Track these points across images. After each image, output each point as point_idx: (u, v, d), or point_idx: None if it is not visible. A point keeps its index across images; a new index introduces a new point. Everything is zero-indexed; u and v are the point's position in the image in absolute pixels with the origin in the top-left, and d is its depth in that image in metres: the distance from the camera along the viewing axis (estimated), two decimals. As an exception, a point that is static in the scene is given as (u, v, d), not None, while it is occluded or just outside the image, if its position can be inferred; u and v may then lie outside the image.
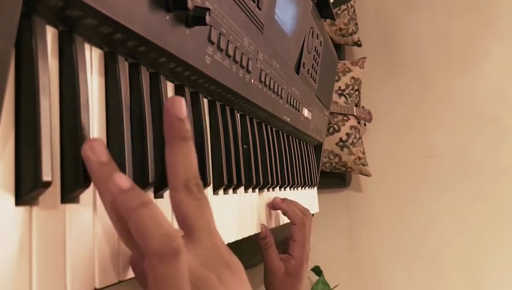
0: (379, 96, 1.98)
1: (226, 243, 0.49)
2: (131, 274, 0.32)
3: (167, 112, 0.28)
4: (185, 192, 0.29)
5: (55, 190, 0.26)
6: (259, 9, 0.50)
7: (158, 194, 0.36)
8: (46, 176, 0.23)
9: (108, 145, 0.31)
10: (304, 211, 0.68)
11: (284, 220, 0.72)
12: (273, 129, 0.69)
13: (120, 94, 0.31)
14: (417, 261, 1.84)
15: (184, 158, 0.29)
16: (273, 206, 0.65)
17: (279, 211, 0.70)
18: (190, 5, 0.32)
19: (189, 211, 0.29)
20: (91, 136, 0.29)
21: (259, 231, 0.61)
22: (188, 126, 0.29)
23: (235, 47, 0.45)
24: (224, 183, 0.47)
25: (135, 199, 0.25)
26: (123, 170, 0.30)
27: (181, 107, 0.28)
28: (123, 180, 0.25)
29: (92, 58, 0.30)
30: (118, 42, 0.30)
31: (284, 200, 0.67)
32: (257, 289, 1.99)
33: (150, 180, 0.33)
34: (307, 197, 0.91)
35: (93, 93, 0.30)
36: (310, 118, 0.83)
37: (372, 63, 1.89)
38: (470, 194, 1.82)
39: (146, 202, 0.25)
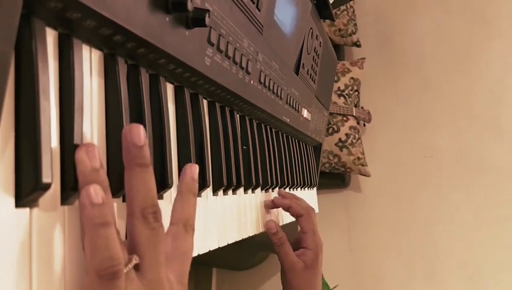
0: (378, 97, 1.98)
1: (226, 244, 0.49)
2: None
3: (125, 138, 0.28)
4: (141, 220, 0.29)
5: (55, 192, 0.26)
6: (259, 10, 0.50)
7: (158, 196, 0.36)
8: (46, 178, 0.24)
9: (107, 147, 0.31)
10: (308, 206, 0.68)
11: (285, 220, 0.72)
12: (273, 130, 0.69)
13: (120, 95, 0.31)
14: (417, 261, 1.84)
15: (141, 185, 0.29)
16: (274, 205, 0.65)
17: (279, 211, 0.70)
18: (189, 6, 0.32)
19: (140, 240, 0.29)
20: (90, 138, 0.29)
21: (259, 231, 0.61)
22: (146, 153, 0.29)
23: (235, 48, 0.45)
24: (224, 184, 0.47)
25: (99, 216, 0.25)
26: (122, 173, 0.30)
27: (139, 133, 0.28)
28: (97, 194, 0.25)
29: (91, 60, 0.30)
30: (117, 44, 0.30)
31: (284, 196, 0.66)
32: (258, 289, 1.98)
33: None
34: (306, 198, 0.91)
35: (93, 94, 0.30)
36: (309, 118, 0.83)
37: (371, 64, 1.89)
38: (470, 194, 1.82)
39: (108, 222, 0.26)
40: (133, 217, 0.29)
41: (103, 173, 0.27)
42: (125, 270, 0.27)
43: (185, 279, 0.32)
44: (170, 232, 0.33)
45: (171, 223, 0.33)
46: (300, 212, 0.65)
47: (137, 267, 0.29)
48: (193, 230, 0.33)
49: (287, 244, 0.63)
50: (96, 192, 0.25)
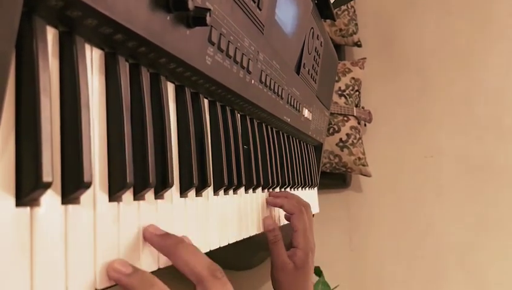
0: (379, 97, 1.98)
1: (227, 243, 0.49)
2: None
3: (149, 238, 0.33)
4: (212, 280, 0.32)
5: (55, 191, 0.26)
6: (260, 9, 0.50)
7: (158, 195, 0.36)
8: (46, 177, 0.23)
9: (108, 146, 0.31)
10: (305, 204, 0.67)
11: (284, 221, 0.72)
12: (274, 129, 0.69)
13: (121, 95, 0.31)
14: (418, 262, 1.84)
15: (192, 254, 0.33)
16: (268, 204, 0.65)
17: (279, 211, 0.69)
18: (190, 5, 0.32)
19: None
20: (92, 137, 0.29)
21: (260, 231, 0.61)
22: (174, 235, 0.34)
23: (236, 47, 0.45)
24: (225, 183, 0.47)
25: (173, 239, 0.33)
26: (124, 170, 0.30)
27: (155, 228, 0.34)
28: (156, 227, 0.33)
29: (92, 59, 0.30)
30: (118, 43, 0.30)
31: (275, 196, 0.65)
32: (258, 289, 1.98)
33: (150, 181, 0.33)
34: (307, 198, 0.91)
35: (93, 93, 0.30)
36: (310, 118, 0.83)
37: (372, 64, 1.89)
38: (470, 194, 1.81)
39: (181, 239, 0.34)
40: (204, 280, 0.32)
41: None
42: None
43: None
44: None
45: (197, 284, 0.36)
46: (291, 210, 0.64)
47: None
48: (221, 270, 0.35)
49: (281, 244, 0.63)
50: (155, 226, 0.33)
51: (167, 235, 0.34)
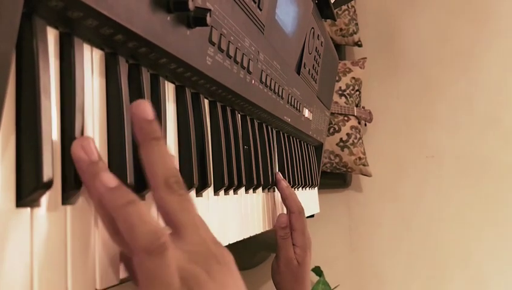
0: (379, 97, 1.98)
1: (227, 243, 0.49)
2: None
3: (134, 116, 0.29)
4: (166, 190, 0.29)
5: (56, 191, 0.26)
6: (260, 9, 0.50)
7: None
8: (47, 177, 0.23)
9: (108, 146, 0.31)
10: (300, 207, 0.70)
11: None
12: (274, 130, 0.69)
13: (121, 95, 0.31)
14: (418, 262, 1.84)
15: (159, 157, 0.29)
16: (278, 181, 0.66)
17: (283, 209, 0.70)
18: (191, 5, 0.32)
19: (172, 209, 0.29)
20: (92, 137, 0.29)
21: (260, 231, 0.61)
22: (157, 126, 0.29)
23: (236, 48, 0.45)
24: (225, 184, 0.47)
25: (121, 197, 0.26)
26: (124, 171, 0.30)
27: (147, 109, 0.29)
28: (110, 179, 0.26)
29: (93, 59, 0.30)
30: (119, 43, 0.30)
31: (288, 186, 0.68)
32: (258, 289, 1.98)
33: (151, 182, 0.33)
34: (307, 198, 0.91)
35: (94, 94, 0.30)
36: (310, 118, 0.83)
37: (373, 63, 1.89)
38: (471, 194, 1.81)
39: (132, 200, 0.26)
40: (159, 190, 0.29)
41: (102, 164, 0.27)
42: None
43: (219, 242, 0.32)
44: None
45: (152, 190, 0.31)
46: (293, 208, 0.67)
47: (174, 236, 0.29)
48: (180, 182, 0.30)
49: (290, 241, 0.67)
50: (108, 177, 0.26)
51: (150, 122, 0.29)
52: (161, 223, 0.30)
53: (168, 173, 0.29)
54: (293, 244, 0.68)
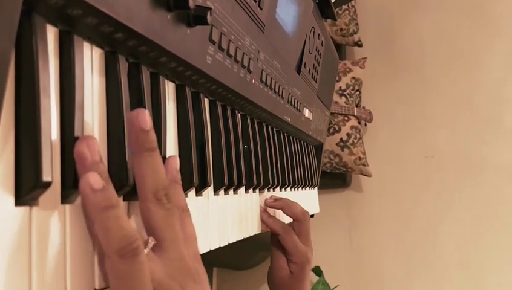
0: (379, 97, 1.98)
1: (227, 243, 0.49)
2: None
3: (131, 124, 0.28)
4: (154, 202, 0.29)
5: (55, 190, 0.26)
6: (261, 8, 0.50)
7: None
8: (46, 176, 0.23)
9: (108, 145, 0.31)
10: (300, 214, 0.65)
11: (286, 220, 0.72)
12: (274, 129, 0.69)
13: (121, 94, 0.31)
14: (418, 262, 1.84)
15: (151, 169, 0.29)
16: (267, 206, 0.63)
17: (279, 213, 0.69)
18: (191, 4, 0.32)
19: (157, 222, 0.29)
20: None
21: (260, 231, 0.61)
22: (153, 137, 0.29)
23: (236, 47, 0.45)
24: (225, 183, 0.47)
25: (103, 200, 0.25)
26: (123, 170, 0.30)
27: (145, 118, 0.28)
28: (96, 180, 0.25)
29: (93, 58, 0.30)
30: (119, 41, 0.30)
31: (276, 200, 0.64)
32: (258, 289, 1.98)
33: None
34: (307, 198, 0.91)
35: (94, 92, 0.30)
36: (311, 118, 0.83)
37: (373, 63, 1.89)
38: (471, 194, 1.81)
39: (114, 205, 0.26)
40: (146, 201, 0.29)
41: (102, 166, 0.27)
42: (145, 252, 0.27)
43: (199, 258, 0.33)
44: None
45: (140, 200, 0.32)
46: (277, 230, 0.63)
47: (156, 249, 0.29)
48: (168, 195, 0.30)
49: (283, 251, 0.64)
50: (95, 178, 0.25)
51: (146, 132, 0.29)
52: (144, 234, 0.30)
53: (158, 186, 0.29)
54: (289, 260, 0.64)
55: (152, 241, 0.29)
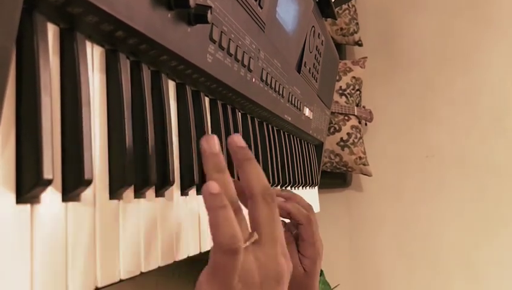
0: (380, 96, 1.98)
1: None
2: (131, 273, 0.32)
3: (231, 145, 0.36)
4: (262, 201, 0.35)
5: (56, 188, 0.26)
6: (261, 7, 0.50)
7: (159, 193, 0.36)
8: (47, 174, 0.23)
9: (109, 143, 0.31)
10: (307, 207, 0.66)
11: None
12: (274, 128, 0.69)
13: (122, 92, 0.31)
14: (418, 261, 1.84)
15: (256, 174, 0.36)
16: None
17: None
18: (192, 3, 0.32)
19: (261, 218, 0.35)
20: (92, 134, 0.29)
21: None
22: (248, 150, 0.36)
23: (237, 45, 0.45)
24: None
25: (218, 201, 0.32)
26: (124, 168, 0.30)
27: (240, 139, 0.37)
28: (214, 187, 0.32)
29: (93, 56, 0.30)
30: (119, 40, 0.30)
31: (287, 199, 0.64)
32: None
33: (151, 179, 0.33)
34: (307, 197, 0.91)
35: (94, 91, 0.30)
36: (311, 117, 0.83)
37: (373, 63, 1.89)
38: (471, 194, 1.81)
39: (225, 205, 0.32)
40: (254, 200, 0.35)
41: (221, 157, 0.35)
42: (245, 245, 0.32)
43: (286, 252, 0.37)
44: None
45: (249, 198, 0.37)
46: (300, 220, 0.60)
47: (255, 243, 0.34)
48: (273, 195, 0.36)
49: (294, 246, 0.61)
50: (213, 185, 0.32)
51: (242, 148, 0.36)
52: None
53: (265, 187, 0.35)
54: (302, 254, 0.61)
55: (255, 236, 0.34)
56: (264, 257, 0.34)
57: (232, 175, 0.40)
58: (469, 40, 1.90)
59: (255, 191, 0.35)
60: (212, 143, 0.35)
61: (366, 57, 1.85)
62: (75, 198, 0.27)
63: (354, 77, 1.78)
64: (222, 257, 0.31)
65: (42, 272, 0.24)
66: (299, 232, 0.63)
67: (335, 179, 1.90)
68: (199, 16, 0.35)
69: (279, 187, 0.69)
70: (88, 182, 0.26)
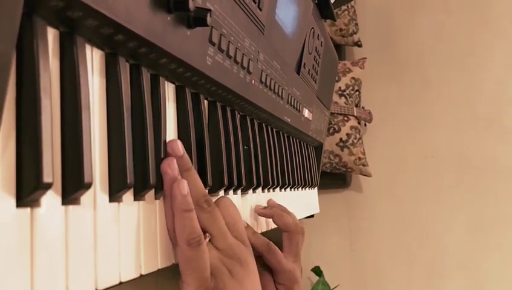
0: (379, 97, 1.98)
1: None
2: (131, 276, 0.32)
3: (169, 155, 0.36)
4: (198, 209, 0.37)
5: (56, 192, 0.26)
6: (260, 10, 0.50)
7: (158, 195, 0.36)
8: (47, 178, 0.23)
9: (108, 146, 0.31)
10: (295, 224, 0.59)
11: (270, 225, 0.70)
12: (274, 130, 0.69)
13: (121, 95, 0.31)
14: (417, 261, 1.84)
15: (193, 184, 0.37)
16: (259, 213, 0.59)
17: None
18: (191, 6, 0.32)
19: (204, 223, 0.38)
20: (92, 138, 0.29)
21: (259, 231, 0.61)
22: (187, 158, 0.38)
23: (236, 48, 0.45)
24: (225, 184, 0.47)
25: (186, 204, 0.35)
26: (124, 171, 0.30)
27: (178, 147, 0.37)
28: (184, 188, 0.35)
29: (93, 59, 0.30)
30: (119, 43, 0.30)
31: (266, 208, 0.60)
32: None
33: (151, 182, 0.33)
34: (307, 198, 0.91)
35: (94, 94, 0.30)
36: (310, 118, 0.83)
37: (372, 64, 1.89)
38: (470, 194, 1.81)
39: (191, 208, 0.36)
40: (195, 209, 0.37)
41: (186, 157, 0.37)
42: (206, 241, 0.37)
43: (245, 238, 0.42)
44: None
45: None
46: (261, 252, 0.54)
47: (211, 241, 0.39)
48: (208, 200, 0.39)
49: (267, 274, 0.56)
50: (184, 186, 0.35)
51: (181, 158, 0.37)
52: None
53: (198, 196, 0.38)
54: (277, 282, 0.56)
55: (208, 237, 0.39)
56: (222, 250, 0.39)
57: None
58: (468, 41, 1.90)
59: (193, 200, 0.37)
60: (175, 147, 0.37)
61: (365, 58, 1.85)
62: (75, 201, 0.27)
63: (353, 78, 1.79)
64: (191, 250, 0.35)
65: (42, 275, 0.24)
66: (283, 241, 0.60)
67: (335, 179, 1.90)
68: (198, 19, 0.35)
69: (278, 188, 0.69)
70: (88, 185, 0.27)
